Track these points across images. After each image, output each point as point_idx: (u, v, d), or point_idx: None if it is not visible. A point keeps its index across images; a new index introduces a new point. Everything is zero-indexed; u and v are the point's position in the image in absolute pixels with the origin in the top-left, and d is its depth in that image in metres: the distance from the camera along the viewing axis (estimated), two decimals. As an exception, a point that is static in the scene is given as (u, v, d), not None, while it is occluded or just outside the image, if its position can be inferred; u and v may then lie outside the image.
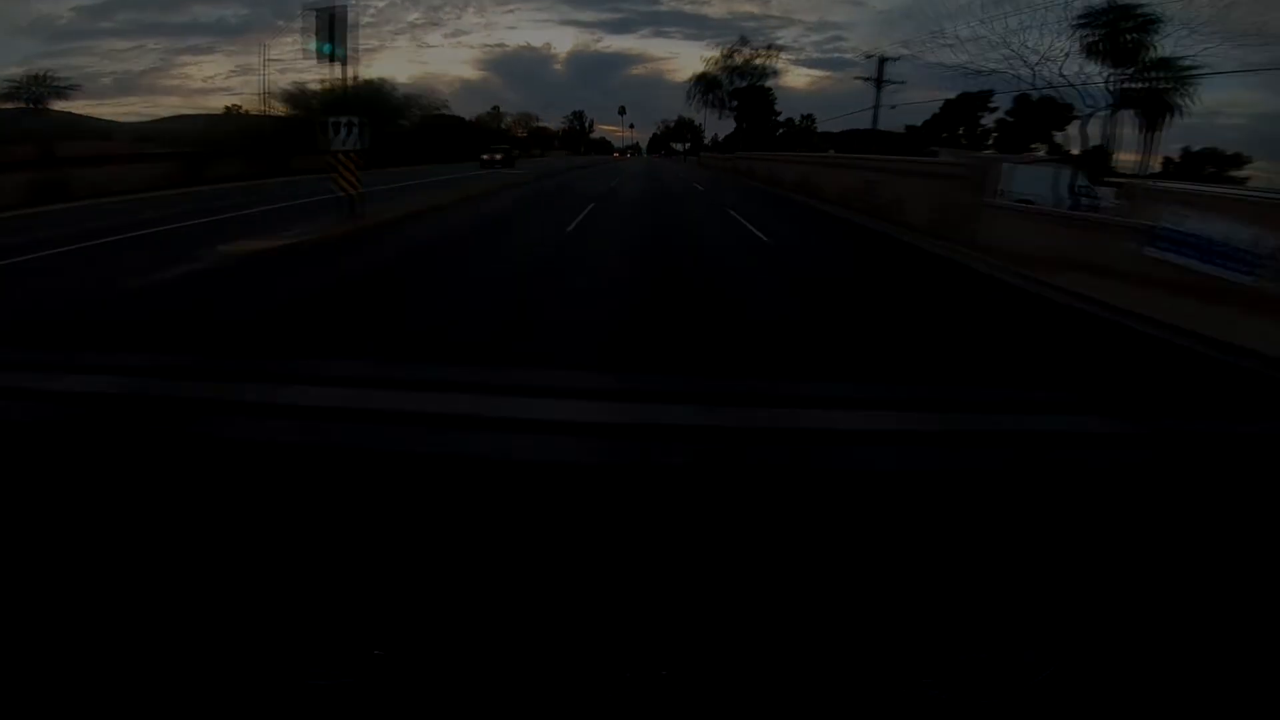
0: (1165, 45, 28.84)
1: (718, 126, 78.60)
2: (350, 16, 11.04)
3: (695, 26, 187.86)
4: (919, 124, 51.91)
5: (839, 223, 15.55)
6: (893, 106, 37.07)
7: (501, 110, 69.51)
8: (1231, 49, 30.84)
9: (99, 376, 4.32)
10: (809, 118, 65.26)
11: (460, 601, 2.09)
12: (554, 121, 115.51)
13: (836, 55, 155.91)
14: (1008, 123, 45.15)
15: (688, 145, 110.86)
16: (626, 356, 5.26)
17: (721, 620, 2.07)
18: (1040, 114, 42.71)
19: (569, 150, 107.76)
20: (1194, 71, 26.91)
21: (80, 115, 42.96)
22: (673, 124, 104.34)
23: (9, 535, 2.58)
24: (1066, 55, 29.82)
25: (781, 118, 71.21)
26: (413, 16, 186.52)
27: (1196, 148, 44.61)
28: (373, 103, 34.47)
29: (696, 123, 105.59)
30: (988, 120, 46.79)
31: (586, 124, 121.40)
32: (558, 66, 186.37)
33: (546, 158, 79.59)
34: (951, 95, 46.26)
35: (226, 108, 40.13)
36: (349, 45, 11.60)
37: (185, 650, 1.68)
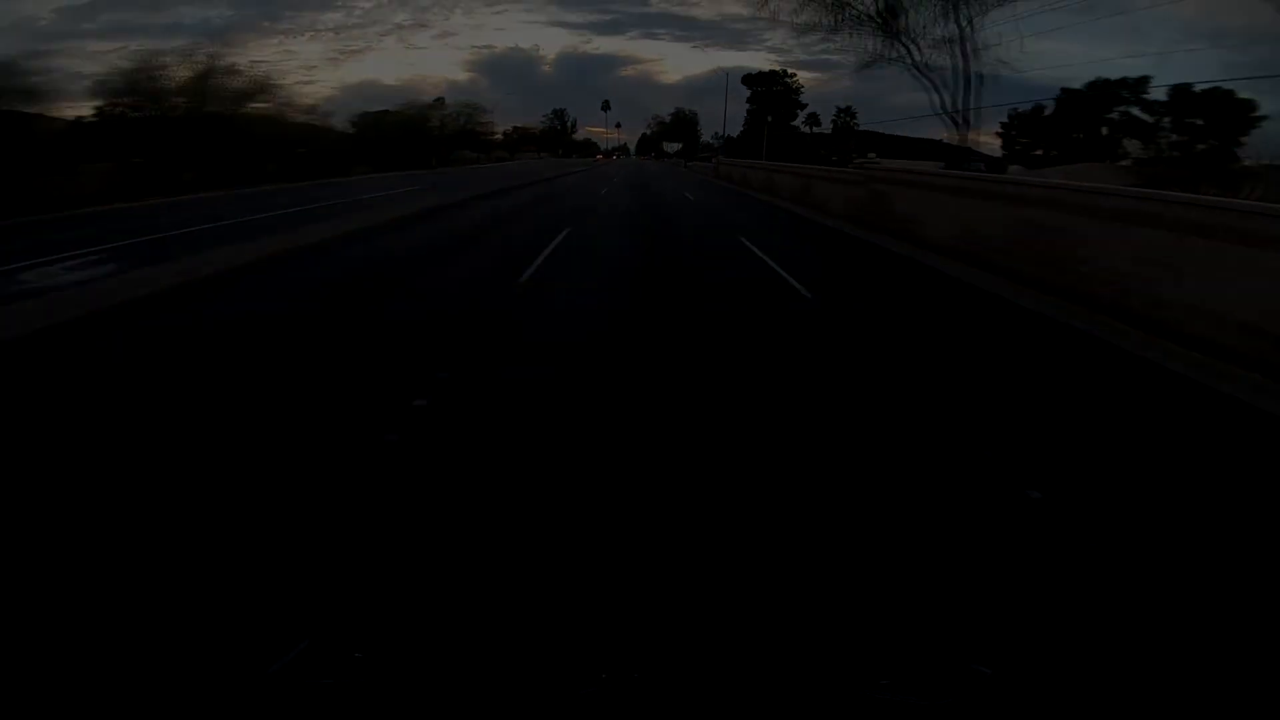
0: None
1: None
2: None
3: (684, 28, 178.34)
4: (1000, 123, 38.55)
5: None
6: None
7: (446, 103, 51.55)
8: None
9: None
10: (847, 111, 51.41)
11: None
12: (533, 119, 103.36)
13: (824, 57, 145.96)
14: (1137, 120, 31.92)
15: (680, 146, 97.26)
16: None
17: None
18: (1224, 110, 29.54)
19: (548, 151, 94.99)
20: None
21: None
22: (667, 119, 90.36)
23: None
24: None
25: (802, 115, 57.75)
26: (400, 18, 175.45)
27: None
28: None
29: (696, 116, 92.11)
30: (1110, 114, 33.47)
31: (569, 123, 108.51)
32: (546, 68, 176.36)
33: (516, 160, 66.22)
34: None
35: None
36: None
37: None
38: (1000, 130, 37.38)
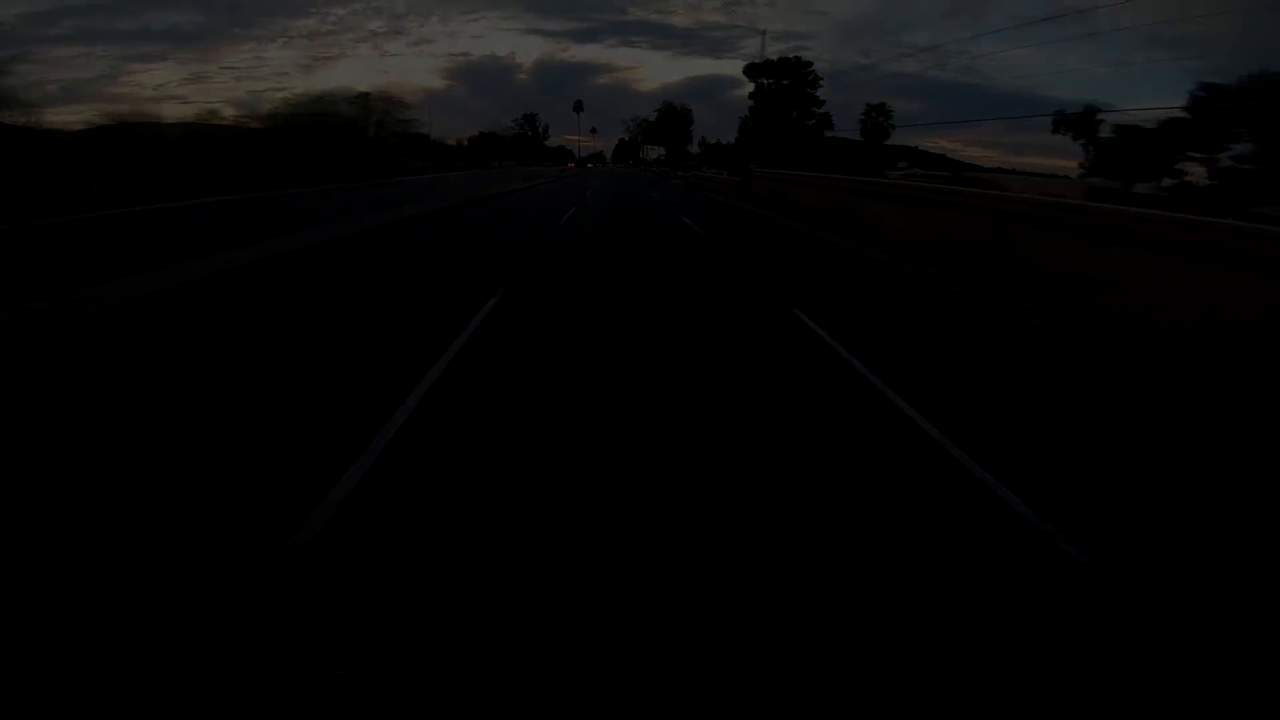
0: None
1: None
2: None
3: (661, 36, 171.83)
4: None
5: None
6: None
7: (371, 97, 37.40)
8: None
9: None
10: (880, 108, 41.68)
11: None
12: (506, 125, 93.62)
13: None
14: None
15: (662, 153, 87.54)
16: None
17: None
18: None
19: (514, 159, 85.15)
20: None
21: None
22: (653, 117, 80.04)
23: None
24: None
25: (816, 115, 48.16)
26: (375, 24, 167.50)
27: None
28: None
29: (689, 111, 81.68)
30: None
31: (540, 129, 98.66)
32: (523, 76, 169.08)
33: (474, 171, 55.91)
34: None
35: None
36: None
37: None
38: (1086, 146, 28.03)
